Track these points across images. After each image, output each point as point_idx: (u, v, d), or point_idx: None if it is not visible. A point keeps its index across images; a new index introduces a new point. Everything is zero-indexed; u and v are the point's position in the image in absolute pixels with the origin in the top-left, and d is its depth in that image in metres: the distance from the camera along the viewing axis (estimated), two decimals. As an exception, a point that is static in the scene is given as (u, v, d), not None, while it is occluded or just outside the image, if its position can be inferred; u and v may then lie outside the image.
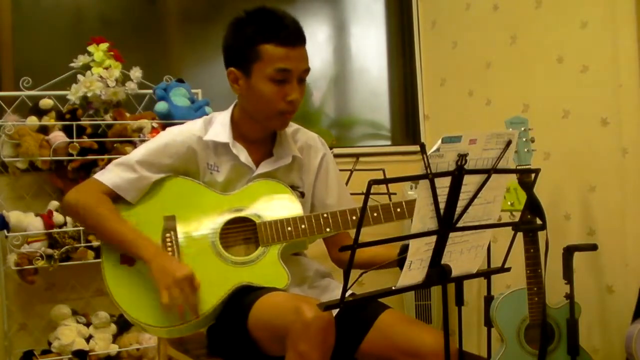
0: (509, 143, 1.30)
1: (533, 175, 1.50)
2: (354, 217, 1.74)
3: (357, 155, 3.21)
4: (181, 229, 1.75)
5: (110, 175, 1.76)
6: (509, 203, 2.25)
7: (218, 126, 1.81)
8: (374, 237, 1.24)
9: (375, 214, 1.74)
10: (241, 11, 1.75)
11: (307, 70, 1.75)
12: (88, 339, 2.63)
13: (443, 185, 1.24)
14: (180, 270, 1.63)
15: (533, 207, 2.26)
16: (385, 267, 1.56)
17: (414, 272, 1.29)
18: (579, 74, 2.70)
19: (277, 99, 1.72)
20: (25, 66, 2.89)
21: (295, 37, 1.71)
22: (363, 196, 1.21)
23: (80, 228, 2.58)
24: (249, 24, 1.72)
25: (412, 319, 1.81)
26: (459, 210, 1.28)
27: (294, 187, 1.83)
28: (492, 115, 3.13)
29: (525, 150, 2.34)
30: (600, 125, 2.62)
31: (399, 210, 1.75)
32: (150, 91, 2.87)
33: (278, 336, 1.51)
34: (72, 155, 2.62)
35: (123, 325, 2.70)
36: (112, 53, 2.74)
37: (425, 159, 1.20)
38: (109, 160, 2.50)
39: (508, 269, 1.43)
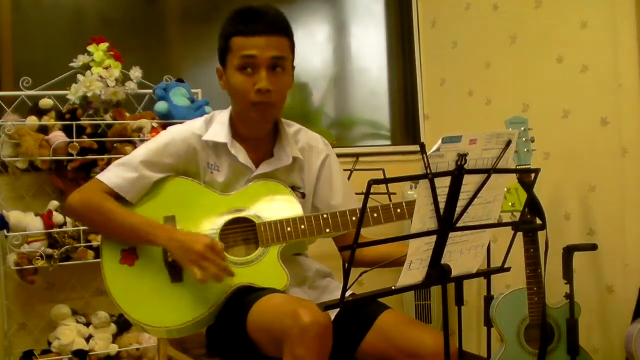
0: (509, 143, 1.30)
1: (533, 175, 1.50)
2: (354, 218, 1.74)
3: (357, 155, 3.21)
4: (181, 230, 1.75)
5: (111, 175, 1.76)
6: (510, 204, 2.25)
7: (218, 125, 1.81)
8: (378, 235, 1.24)
9: (375, 215, 1.74)
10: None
11: (279, 58, 1.72)
12: (88, 339, 2.64)
13: (443, 185, 1.25)
14: (199, 241, 1.62)
15: (533, 207, 2.26)
16: (397, 263, 1.54)
17: (414, 272, 1.29)
18: (579, 74, 2.70)
19: (247, 90, 1.72)
20: (25, 66, 2.89)
21: (262, 27, 1.70)
22: (363, 196, 1.21)
23: (81, 228, 2.58)
24: (227, 21, 1.75)
25: (412, 319, 1.81)
26: (459, 210, 1.28)
27: (294, 188, 1.83)
28: (492, 115, 3.13)
29: (525, 150, 2.34)
30: (600, 125, 2.62)
31: (399, 211, 1.75)
32: (150, 91, 2.87)
33: (276, 339, 1.51)
34: (72, 155, 2.62)
35: (123, 325, 2.70)
36: (112, 53, 2.74)
37: (425, 159, 1.20)
38: (109, 160, 2.51)
39: (508, 269, 1.43)
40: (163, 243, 1.67)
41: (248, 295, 1.65)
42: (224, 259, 1.63)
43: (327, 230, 1.74)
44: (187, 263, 1.62)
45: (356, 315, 1.73)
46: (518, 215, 2.25)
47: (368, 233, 1.86)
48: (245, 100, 1.74)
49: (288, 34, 1.75)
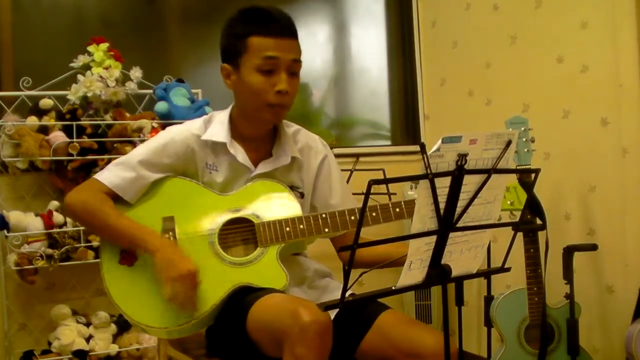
0: (509, 143, 1.30)
1: (533, 175, 1.50)
2: (352, 218, 1.74)
3: (357, 155, 3.21)
4: (180, 230, 1.75)
5: (110, 174, 1.76)
6: (508, 202, 2.25)
7: (217, 125, 1.81)
8: (378, 236, 1.24)
9: (374, 214, 1.74)
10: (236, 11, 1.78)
11: (297, 61, 1.75)
12: (88, 339, 2.63)
13: (443, 185, 1.25)
14: (185, 264, 1.63)
15: (533, 207, 2.26)
16: (397, 263, 1.54)
17: (414, 272, 1.29)
18: (579, 74, 2.70)
19: (265, 90, 1.72)
20: (25, 66, 2.89)
21: (282, 29, 1.72)
22: (363, 196, 1.21)
23: (81, 228, 2.58)
24: (240, 20, 1.75)
25: (412, 319, 1.81)
26: (459, 210, 1.28)
27: (293, 187, 1.83)
28: (492, 115, 3.13)
29: (525, 150, 2.34)
30: (600, 125, 2.62)
31: (397, 210, 1.75)
32: (150, 91, 2.87)
33: (276, 338, 1.51)
34: (72, 155, 2.62)
35: (123, 325, 2.70)
36: (112, 53, 2.74)
37: (425, 159, 1.20)
38: (109, 160, 2.50)
39: (508, 269, 1.43)
40: (152, 249, 1.66)
41: (247, 295, 1.65)
42: (196, 294, 1.64)
43: (326, 230, 1.74)
44: (164, 278, 1.63)
45: (356, 315, 1.73)
46: (517, 213, 2.25)
47: (367, 233, 1.86)
48: (261, 101, 1.73)
49: (298, 38, 1.77)
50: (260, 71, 1.71)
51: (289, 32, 1.73)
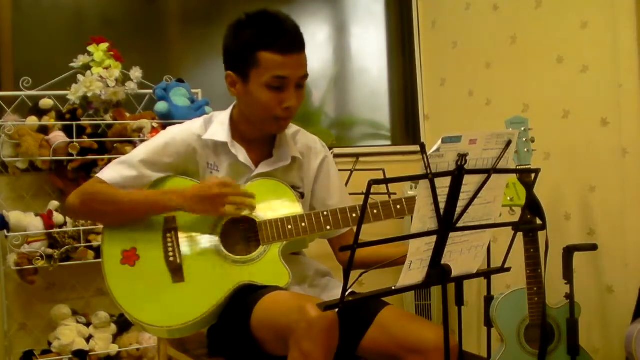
0: (509, 143, 1.30)
1: (533, 175, 1.50)
2: (354, 215, 1.75)
3: (357, 155, 3.21)
4: (182, 229, 1.75)
5: (111, 172, 1.76)
6: (508, 198, 2.24)
7: (217, 125, 1.82)
8: (377, 236, 1.24)
9: (375, 211, 1.75)
10: (242, 13, 1.75)
11: (305, 76, 1.75)
12: (88, 339, 2.63)
13: (443, 185, 1.25)
14: (211, 186, 1.67)
15: (533, 207, 2.26)
16: (397, 263, 1.54)
17: (414, 272, 1.29)
18: (579, 74, 2.70)
19: (273, 105, 1.72)
20: (25, 66, 2.89)
21: (293, 44, 1.70)
22: (363, 196, 1.21)
23: (81, 228, 2.59)
24: (248, 28, 1.72)
25: (412, 315, 1.81)
26: (459, 210, 1.28)
27: (294, 188, 1.84)
28: (492, 115, 3.13)
29: (525, 150, 2.34)
30: (600, 125, 2.62)
31: (398, 207, 1.75)
32: (150, 91, 2.87)
33: (281, 335, 1.51)
34: (72, 155, 2.62)
35: (123, 325, 2.70)
36: (112, 53, 2.74)
37: (425, 159, 1.20)
38: (109, 160, 2.50)
39: (508, 269, 1.43)
40: (179, 205, 1.69)
41: (250, 293, 1.65)
42: (239, 187, 1.72)
43: (328, 227, 1.75)
44: (216, 210, 1.67)
45: (356, 312, 1.73)
46: (517, 209, 2.24)
47: (366, 233, 1.86)
48: (267, 114, 1.74)
49: (305, 47, 1.75)
50: (269, 87, 1.71)
51: (298, 46, 1.71)
